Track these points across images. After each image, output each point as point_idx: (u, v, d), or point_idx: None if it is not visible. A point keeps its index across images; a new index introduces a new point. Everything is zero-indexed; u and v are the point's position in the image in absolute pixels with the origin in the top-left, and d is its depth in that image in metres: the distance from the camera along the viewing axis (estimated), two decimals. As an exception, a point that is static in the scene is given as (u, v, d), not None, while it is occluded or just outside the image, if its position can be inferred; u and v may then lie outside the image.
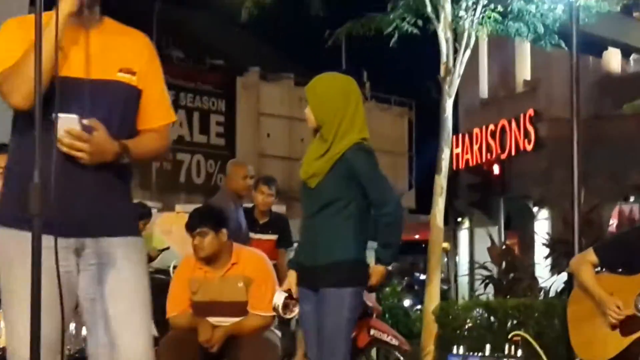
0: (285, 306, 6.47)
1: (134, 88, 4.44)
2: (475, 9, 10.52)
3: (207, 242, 7.46)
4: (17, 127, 4.42)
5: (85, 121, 4.17)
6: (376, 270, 6.35)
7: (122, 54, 4.47)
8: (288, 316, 6.66)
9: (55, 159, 4.03)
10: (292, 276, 6.49)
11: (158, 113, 4.57)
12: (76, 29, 4.34)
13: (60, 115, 4.09)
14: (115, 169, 4.40)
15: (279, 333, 7.95)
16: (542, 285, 15.22)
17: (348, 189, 6.28)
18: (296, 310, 6.53)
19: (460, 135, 28.51)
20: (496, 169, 28.27)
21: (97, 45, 4.37)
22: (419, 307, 13.08)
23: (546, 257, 17.78)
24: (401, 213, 6.47)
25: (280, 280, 7.96)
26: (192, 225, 7.59)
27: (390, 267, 6.32)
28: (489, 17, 10.83)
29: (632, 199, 25.08)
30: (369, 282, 6.35)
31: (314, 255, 6.31)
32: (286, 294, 6.49)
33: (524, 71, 29.49)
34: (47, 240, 4.00)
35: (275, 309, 6.53)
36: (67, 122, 4.13)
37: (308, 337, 6.49)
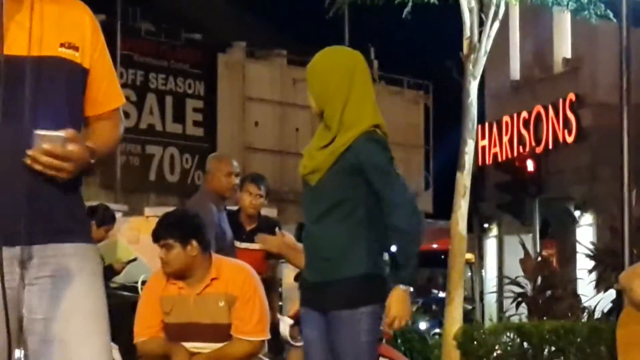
0: (293, 334, 6.47)
1: (78, 66, 4.42)
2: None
3: (172, 257, 7.43)
4: None
5: (60, 133, 4.16)
6: (393, 299, 6.15)
7: (63, 26, 4.45)
8: (299, 344, 6.65)
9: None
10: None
11: (109, 95, 4.56)
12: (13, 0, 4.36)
13: (40, 132, 4.10)
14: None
15: (267, 360, 7.97)
16: (586, 304, 15.27)
17: (355, 188, 6.21)
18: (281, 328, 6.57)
19: (487, 125, 28.58)
20: (530, 165, 28.25)
21: (36, 17, 4.36)
22: (437, 330, 13.12)
23: (590, 271, 17.84)
24: (419, 220, 6.32)
25: (270, 297, 7.98)
26: (157, 235, 7.57)
27: (409, 289, 6.20)
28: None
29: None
30: (386, 319, 6.19)
31: (319, 270, 6.26)
32: (291, 321, 6.50)
33: (563, 48, 29.56)
34: None
35: (283, 339, 6.54)
36: (50, 140, 4.13)
37: None
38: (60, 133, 4.12)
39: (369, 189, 6.21)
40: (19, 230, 4.26)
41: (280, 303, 10.16)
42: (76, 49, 4.40)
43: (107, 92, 4.51)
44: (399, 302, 6.15)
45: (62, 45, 4.37)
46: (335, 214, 6.22)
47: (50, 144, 4.10)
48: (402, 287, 6.13)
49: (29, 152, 4.09)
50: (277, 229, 9.92)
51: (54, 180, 4.28)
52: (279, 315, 9.58)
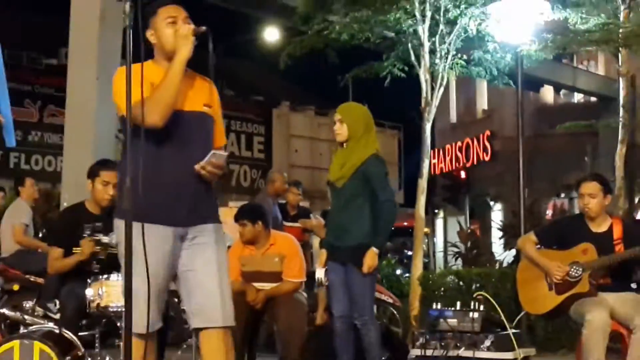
0: (323, 278, 6.57)
1: (211, 118, 4.55)
2: (447, 58, 10.50)
3: (246, 231, 7.52)
4: (134, 144, 4.25)
5: (224, 152, 4.44)
6: (369, 255, 6.23)
7: (202, 92, 4.56)
8: (326, 284, 6.70)
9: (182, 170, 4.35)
10: (324, 255, 6.58)
11: (220, 136, 4.66)
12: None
13: (216, 151, 4.36)
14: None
15: (305, 294, 7.94)
16: (498, 258, 15.19)
17: (364, 189, 6.35)
18: (317, 273, 6.62)
19: (436, 150, 28.51)
20: (462, 174, 28.26)
21: (186, 86, 4.43)
22: (407, 275, 13.01)
23: (500, 238, 17.76)
24: (395, 212, 6.43)
25: (305, 255, 8.03)
26: (237, 218, 7.67)
27: (377, 250, 6.25)
28: (457, 64, 10.81)
29: (562, 195, 25.06)
30: (364, 264, 6.25)
31: (343, 238, 6.36)
32: (323, 269, 6.57)
33: (482, 102, 29.48)
34: (157, 229, 4.30)
35: (317, 281, 6.60)
36: (218, 157, 4.35)
37: (336, 298, 6.51)
38: (224, 152, 4.40)
39: (372, 190, 6.31)
40: (180, 217, 4.44)
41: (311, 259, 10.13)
42: (210, 107, 4.53)
43: (220, 133, 4.63)
44: (372, 257, 6.23)
45: (204, 105, 4.50)
46: (351, 205, 6.34)
47: (217, 159, 4.32)
48: (374, 249, 6.23)
49: (199, 165, 4.31)
50: (311, 215, 10.03)
51: (205, 184, 4.46)
52: (314, 266, 9.58)
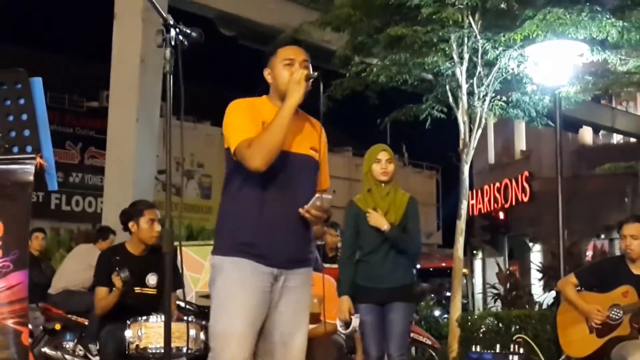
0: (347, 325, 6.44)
1: (317, 162, 4.54)
2: (484, 100, 10.51)
3: None
4: (236, 187, 4.44)
5: (330, 196, 4.41)
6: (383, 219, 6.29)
7: (310, 135, 4.56)
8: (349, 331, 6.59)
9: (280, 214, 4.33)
10: (347, 301, 6.43)
11: (325, 179, 4.66)
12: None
13: (321, 195, 4.34)
14: (307, 221, 4.47)
15: (342, 335, 7.90)
16: (537, 300, 15.05)
17: (403, 229, 6.33)
18: (353, 322, 6.45)
19: (474, 191, 28.38)
20: (501, 215, 28.07)
21: (295, 127, 4.42)
22: (445, 316, 12.92)
23: (539, 279, 17.59)
24: (419, 245, 6.57)
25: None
26: None
27: (387, 231, 6.27)
28: (496, 105, 10.82)
29: (602, 236, 24.84)
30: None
31: (384, 281, 6.27)
32: (357, 316, 6.45)
33: (520, 143, 29.38)
34: (256, 266, 4.30)
35: (354, 328, 6.46)
36: (325, 201, 4.33)
37: (373, 339, 6.38)
38: (329, 196, 4.38)
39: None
40: (281, 259, 4.41)
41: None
42: (317, 151, 4.52)
43: (325, 176, 4.62)
44: (380, 220, 6.28)
45: (311, 148, 4.49)
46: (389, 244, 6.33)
47: (323, 202, 4.28)
48: (388, 230, 6.27)
49: (306, 208, 4.30)
50: None
51: (306, 228, 4.44)
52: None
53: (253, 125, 4.29)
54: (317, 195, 4.34)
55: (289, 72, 4.43)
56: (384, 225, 6.24)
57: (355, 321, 6.34)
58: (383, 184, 6.35)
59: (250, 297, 4.27)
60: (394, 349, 6.27)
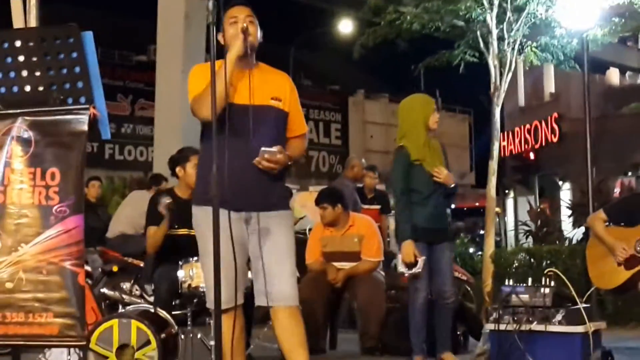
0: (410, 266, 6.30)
1: (281, 111, 4.60)
2: (514, 45, 10.41)
3: (327, 213, 7.59)
4: (205, 137, 4.63)
5: (275, 149, 4.42)
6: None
7: (272, 87, 4.64)
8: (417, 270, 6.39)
9: (232, 158, 4.25)
10: (410, 245, 6.24)
11: (299, 126, 4.71)
12: (242, 70, 4.51)
13: (265, 149, 4.40)
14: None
15: (382, 272, 7.93)
16: (567, 236, 15.00)
17: None
18: (420, 263, 6.30)
19: (505, 133, 28.17)
20: (532, 155, 27.87)
21: (255, 81, 4.52)
22: (479, 253, 12.91)
23: (569, 216, 17.52)
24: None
25: (382, 235, 8.00)
26: (317, 202, 7.76)
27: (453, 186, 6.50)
28: (528, 50, 10.72)
29: (629, 174, 24.65)
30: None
31: (435, 221, 6.37)
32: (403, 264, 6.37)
33: (549, 86, 29.03)
34: (224, 214, 4.19)
35: (418, 269, 6.32)
36: (269, 153, 4.40)
37: (425, 279, 6.36)
38: (274, 149, 4.39)
39: None
40: (246, 203, 4.50)
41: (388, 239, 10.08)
42: (280, 100, 4.58)
43: (298, 124, 4.68)
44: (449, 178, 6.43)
45: (272, 98, 4.57)
46: (441, 194, 6.49)
47: (269, 155, 4.34)
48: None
49: (255, 160, 4.38)
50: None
51: (269, 174, 4.46)
52: (390, 246, 9.57)
53: (204, 83, 4.37)
54: (262, 149, 4.42)
55: (234, 29, 4.53)
56: (452, 183, 6.40)
57: (421, 262, 6.23)
58: (432, 134, 6.47)
59: (224, 238, 4.15)
60: (448, 285, 6.45)
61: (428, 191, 6.34)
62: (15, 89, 3.54)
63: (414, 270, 6.22)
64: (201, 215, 4.52)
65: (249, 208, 4.54)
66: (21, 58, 3.52)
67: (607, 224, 6.48)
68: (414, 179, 6.37)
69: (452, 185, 6.39)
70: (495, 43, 10.41)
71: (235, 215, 4.47)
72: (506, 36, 10.39)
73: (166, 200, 6.44)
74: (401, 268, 6.33)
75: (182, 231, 6.46)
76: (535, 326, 5.65)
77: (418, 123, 6.41)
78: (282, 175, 4.66)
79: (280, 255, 4.57)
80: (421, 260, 6.20)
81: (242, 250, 4.55)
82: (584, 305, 5.78)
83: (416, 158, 6.35)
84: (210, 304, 4.33)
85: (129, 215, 9.95)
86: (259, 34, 4.63)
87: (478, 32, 10.51)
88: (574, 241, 13.52)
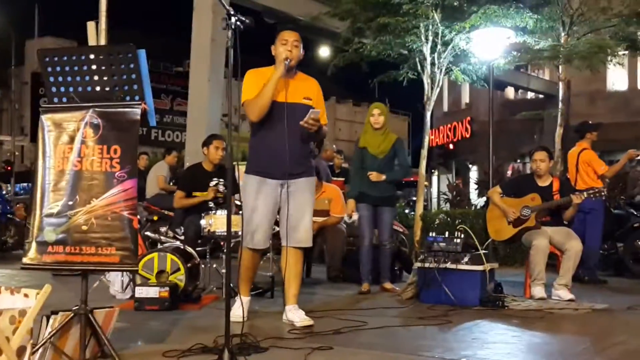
0: (350, 217, 6.57)
1: (309, 106, 4.53)
2: (442, 69, 10.41)
3: None
4: (254, 127, 4.55)
5: (318, 110, 4.39)
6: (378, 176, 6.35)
7: (304, 89, 4.60)
8: (351, 221, 6.72)
9: (284, 143, 4.38)
10: (353, 203, 6.49)
11: (321, 117, 4.53)
12: (285, 78, 4.48)
13: (313, 109, 4.37)
14: (305, 138, 4.54)
15: (344, 225, 7.95)
16: (473, 203, 15.10)
17: (392, 160, 6.46)
18: (354, 216, 6.60)
19: (433, 130, 28.29)
20: (451, 146, 28.00)
21: (292, 85, 4.49)
22: (412, 213, 12.98)
23: (475, 190, 17.63)
24: (409, 172, 6.86)
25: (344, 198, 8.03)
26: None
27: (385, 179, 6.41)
28: (451, 70, 10.72)
29: (518, 161, 24.80)
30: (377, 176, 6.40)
31: (378, 189, 6.35)
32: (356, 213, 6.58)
33: (465, 98, 29.13)
34: (265, 180, 4.46)
35: (353, 221, 6.61)
36: (314, 114, 4.35)
37: (366, 229, 6.48)
38: (318, 110, 4.37)
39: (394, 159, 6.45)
40: (281, 172, 4.49)
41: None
42: (310, 99, 4.55)
43: (321, 116, 4.50)
44: (379, 177, 6.36)
45: (304, 98, 4.54)
46: (386, 169, 6.40)
47: (314, 115, 4.32)
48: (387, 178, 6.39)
49: (304, 119, 4.32)
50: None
51: (300, 151, 4.48)
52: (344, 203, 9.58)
53: (256, 89, 4.38)
54: (310, 110, 4.38)
55: (283, 48, 4.45)
56: (382, 177, 6.38)
57: (356, 216, 6.49)
58: (377, 130, 6.42)
59: (262, 200, 4.43)
60: (386, 236, 6.47)
61: (372, 168, 6.39)
62: (89, 88, 3.52)
63: (350, 220, 6.58)
64: (250, 182, 4.53)
65: (283, 177, 4.53)
66: (94, 67, 3.50)
67: (501, 195, 6.52)
68: (363, 160, 6.48)
69: (383, 179, 6.38)
70: (428, 67, 10.40)
71: (273, 181, 4.51)
72: (436, 62, 10.38)
73: (222, 189, 6.41)
74: (346, 217, 6.60)
75: (202, 194, 6.47)
76: (449, 265, 5.69)
77: (367, 122, 6.56)
78: (308, 153, 4.68)
79: (301, 210, 4.56)
80: (355, 215, 6.45)
81: (276, 209, 4.58)
82: (484, 251, 5.83)
83: (362, 145, 6.48)
84: (247, 243, 4.50)
85: (152, 178, 10.09)
86: (301, 52, 4.58)
87: (417, 59, 10.50)
88: (478, 207, 13.62)
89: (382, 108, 6.48)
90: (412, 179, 22.35)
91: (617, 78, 22.79)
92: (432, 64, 10.42)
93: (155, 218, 8.86)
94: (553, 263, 6.39)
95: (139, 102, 3.43)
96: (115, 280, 5.88)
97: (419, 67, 10.52)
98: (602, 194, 6.26)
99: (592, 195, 6.17)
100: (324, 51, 22.66)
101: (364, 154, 6.48)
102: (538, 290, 5.97)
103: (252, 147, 4.61)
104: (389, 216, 6.47)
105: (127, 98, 3.44)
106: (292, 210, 4.52)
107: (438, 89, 10.58)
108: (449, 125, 28.51)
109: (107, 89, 3.47)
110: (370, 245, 6.52)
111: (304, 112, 4.46)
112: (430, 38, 10.14)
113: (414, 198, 18.91)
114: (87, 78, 3.48)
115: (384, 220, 6.44)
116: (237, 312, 4.11)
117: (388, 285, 6.53)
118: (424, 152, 10.65)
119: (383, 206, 6.42)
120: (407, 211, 14.58)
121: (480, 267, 5.64)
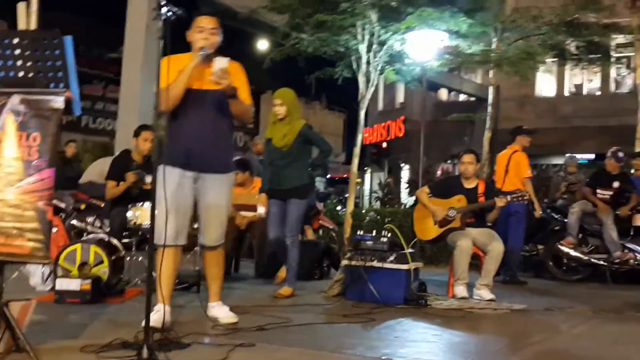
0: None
1: (223, 93, 4.23)
2: (377, 68, 10.50)
3: (238, 177, 7.42)
4: (171, 117, 4.28)
5: (223, 58, 4.09)
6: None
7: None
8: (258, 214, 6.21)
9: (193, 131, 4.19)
10: (264, 197, 6.02)
11: (245, 97, 4.38)
12: (202, 66, 4.26)
13: (218, 58, 4.06)
14: (225, 130, 4.34)
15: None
16: (403, 202, 15.30)
17: (304, 149, 5.95)
18: (261, 210, 6.09)
19: (368, 128, 28.51)
20: (384, 145, 28.27)
21: (209, 72, 4.18)
22: (343, 210, 13.06)
23: (406, 189, 17.87)
24: (331, 151, 6.08)
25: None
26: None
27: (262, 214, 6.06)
28: (384, 70, 10.82)
29: (449, 161, 25.26)
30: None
31: (286, 183, 5.90)
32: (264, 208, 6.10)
33: (400, 97, 29.42)
34: (179, 171, 4.21)
35: (260, 215, 6.13)
36: (220, 62, 4.07)
37: (272, 225, 6.04)
38: (226, 59, 4.10)
39: (309, 147, 5.97)
40: (195, 164, 4.29)
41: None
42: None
43: (244, 96, 4.35)
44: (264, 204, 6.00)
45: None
46: (295, 161, 5.92)
47: (222, 65, 4.06)
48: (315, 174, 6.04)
49: (213, 74, 4.07)
50: None
51: (217, 141, 4.28)
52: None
53: (170, 77, 4.08)
54: (214, 59, 4.09)
55: (200, 37, 4.27)
56: (262, 209, 6.00)
57: (260, 210, 6.03)
58: (281, 120, 5.91)
59: (174, 191, 4.12)
60: (289, 231, 5.92)
61: (277, 161, 5.91)
62: (11, 73, 3.41)
63: (259, 216, 6.07)
64: (164, 173, 4.11)
65: (195, 169, 4.31)
66: (17, 51, 3.39)
67: (429, 195, 6.61)
68: (269, 153, 6.03)
69: (260, 212, 6.01)
70: (364, 65, 10.48)
71: (188, 173, 4.29)
72: (372, 61, 10.47)
73: (140, 173, 6.23)
74: (260, 210, 6.09)
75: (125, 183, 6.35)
76: (376, 263, 5.75)
77: (271, 112, 6.03)
78: (227, 146, 4.42)
79: (215, 208, 4.37)
80: (262, 209, 5.97)
81: (188, 201, 4.31)
82: (410, 250, 5.90)
83: (268, 137, 6.02)
84: (160, 240, 4.02)
85: (96, 172, 9.70)
86: (219, 39, 4.31)
87: (353, 57, 10.56)
88: (408, 206, 13.84)
89: (285, 96, 5.90)
90: (345, 176, 22.51)
91: (545, 84, 23.49)
92: (368, 62, 10.51)
93: (83, 207, 8.61)
94: (476, 263, 6.53)
95: (64, 90, 3.33)
96: (36, 272, 5.69)
97: (355, 66, 10.59)
98: (525, 198, 6.44)
99: (515, 199, 6.34)
100: (262, 45, 22.46)
101: (269, 146, 5.99)
102: (460, 290, 6.10)
103: (168, 137, 4.26)
104: (295, 209, 5.86)
105: (51, 85, 3.34)
106: (206, 206, 4.36)
107: (373, 88, 10.68)
108: (383, 124, 28.77)
109: (31, 74, 3.35)
110: (276, 240, 6.05)
111: (216, 97, 4.26)
112: (367, 37, 10.22)
113: (346, 195, 19.10)
114: (9, 63, 3.36)
115: (289, 213, 5.89)
116: (157, 316, 3.98)
117: (284, 290, 5.94)
118: (357, 150, 10.74)
119: (290, 198, 5.89)
120: (338, 208, 14.66)
121: (405, 266, 5.70)
